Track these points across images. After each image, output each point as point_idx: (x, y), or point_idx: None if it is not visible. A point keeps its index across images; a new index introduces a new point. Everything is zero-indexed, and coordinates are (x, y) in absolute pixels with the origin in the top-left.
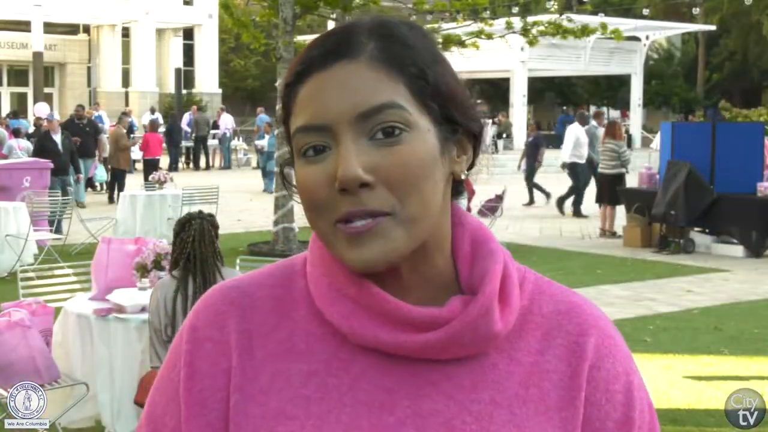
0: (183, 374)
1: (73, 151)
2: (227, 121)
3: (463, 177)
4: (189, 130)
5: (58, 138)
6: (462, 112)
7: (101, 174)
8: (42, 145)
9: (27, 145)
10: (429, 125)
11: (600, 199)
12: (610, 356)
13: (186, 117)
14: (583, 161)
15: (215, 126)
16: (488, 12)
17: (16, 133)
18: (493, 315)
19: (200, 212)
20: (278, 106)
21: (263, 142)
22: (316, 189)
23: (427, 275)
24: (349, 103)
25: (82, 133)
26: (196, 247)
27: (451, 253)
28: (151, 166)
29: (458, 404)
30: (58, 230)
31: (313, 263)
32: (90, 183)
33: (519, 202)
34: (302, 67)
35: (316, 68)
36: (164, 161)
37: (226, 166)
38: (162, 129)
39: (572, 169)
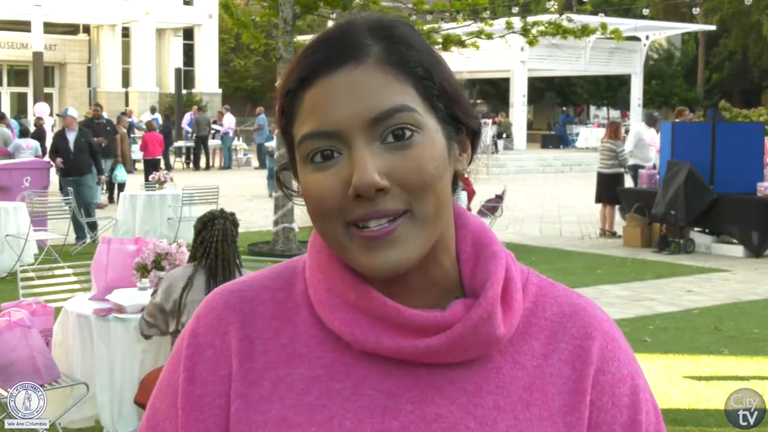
0: (182, 379)
1: (94, 152)
2: (230, 122)
3: (465, 175)
4: (189, 130)
5: (72, 136)
6: (464, 111)
7: (122, 175)
8: (54, 143)
9: (35, 144)
10: (437, 125)
11: (599, 199)
12: (615, 360)
13: (186, 117)
14: (648, 163)
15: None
16: (488, 12)
17: (24, 133)
18: (495, 320)
19: (222, 211)
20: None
21: (272, 144)
22: (327, 195)
23: (433, 277)
24: (360, 108)
25: (104, 132)
26: (218, 248)
27: (455, 255)
28: (151, 166)
29: (462, 409)
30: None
31: (312, 268)
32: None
33: (519, 202)
34: (306, 73)
35: (322, 73)
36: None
37: (226, 166)
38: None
39: (633, 171)
